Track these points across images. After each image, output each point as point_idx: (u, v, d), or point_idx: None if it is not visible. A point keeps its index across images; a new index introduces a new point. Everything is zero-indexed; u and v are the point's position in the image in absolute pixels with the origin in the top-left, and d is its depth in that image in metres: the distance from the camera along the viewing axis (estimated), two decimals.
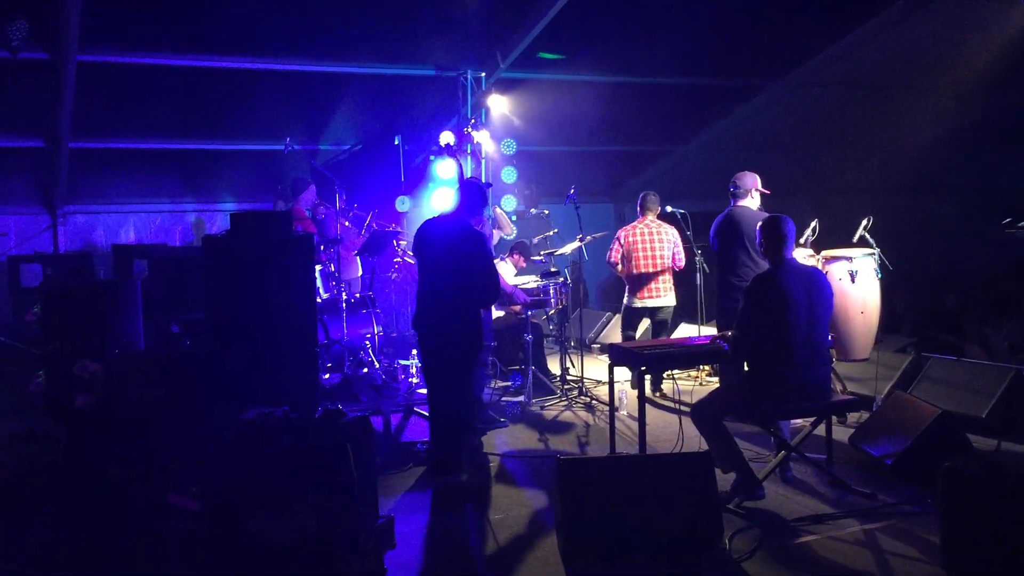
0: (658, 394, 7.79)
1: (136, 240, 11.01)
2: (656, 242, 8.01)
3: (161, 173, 10.85)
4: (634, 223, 8.22)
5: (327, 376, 7.74)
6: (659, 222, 8.17)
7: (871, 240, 6.74)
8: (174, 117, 9.85)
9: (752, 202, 6.72)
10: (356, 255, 8.99)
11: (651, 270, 7.98)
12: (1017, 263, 11.44)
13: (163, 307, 7.49)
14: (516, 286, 7.59)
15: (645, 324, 8.51)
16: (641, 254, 7.99)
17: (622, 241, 8.11)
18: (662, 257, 7.98)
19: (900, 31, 9.15)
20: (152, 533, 4.32)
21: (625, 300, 8.22)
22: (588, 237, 8.47)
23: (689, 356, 5.89)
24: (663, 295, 8.05)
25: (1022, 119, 11.32)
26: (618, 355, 5.79)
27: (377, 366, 8.09)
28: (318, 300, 7.43)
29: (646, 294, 8.02)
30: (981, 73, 9.29)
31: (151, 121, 9.83)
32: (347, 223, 8.77)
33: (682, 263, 8.11)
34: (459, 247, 5.50)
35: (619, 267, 8.16)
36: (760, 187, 6.70)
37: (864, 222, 6.78)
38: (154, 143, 10.37)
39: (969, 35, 8.91)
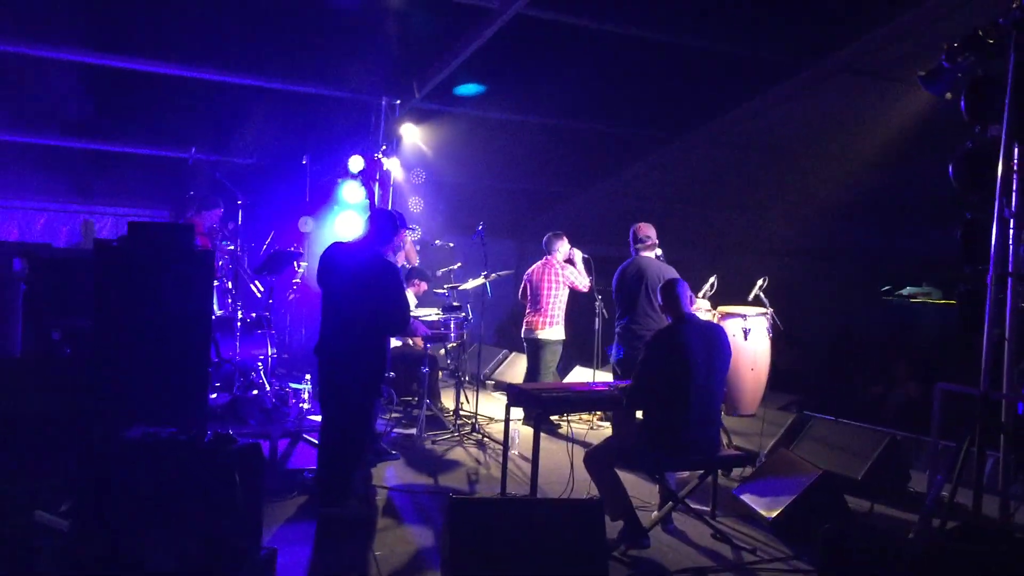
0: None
1: (19, 238, 10.45)
2: (546, 279, 8.38)
3: (51, 171, 10.32)
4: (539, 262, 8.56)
5: (215, 396, 7.47)
6: (554, 261, 8.46)
7: (765, 300, 6.99)
8: (68, 114, 9.39)
9: (654, 253, 6.91)
10: (255, 272, 8.75)
11: (539, 305, 8.38)
12: (893, 328, 12.03)
13: (44, 311, 7.11)
14: (416, 318, 7.52)
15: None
16: (532, 290, 8.48)
17: (527, 278, 8.55)
18: (550, 294, 8.35)
19: (804, 101, 9.53)
20: (19, 552, 4.06)
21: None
22: (493, 274, 8.49)
23: (587, 401, 5.96)
24: (544, 328, 8.36)
25: (914, 193, 11.93)
26: (516, 396, 5.80)
27: (268, 389, 7.86)
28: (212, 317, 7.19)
29: (529, 326, 8.47)
30: (879, 147, 9.78)
31: (42, 115, 9.35)
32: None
33: (583, 287, 8.41)
34: (369, 276, 5.41)
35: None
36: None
37: (760, 282, 7.02)
38: (45, 139, 9.88)
39: (870, 111, 9.34)
